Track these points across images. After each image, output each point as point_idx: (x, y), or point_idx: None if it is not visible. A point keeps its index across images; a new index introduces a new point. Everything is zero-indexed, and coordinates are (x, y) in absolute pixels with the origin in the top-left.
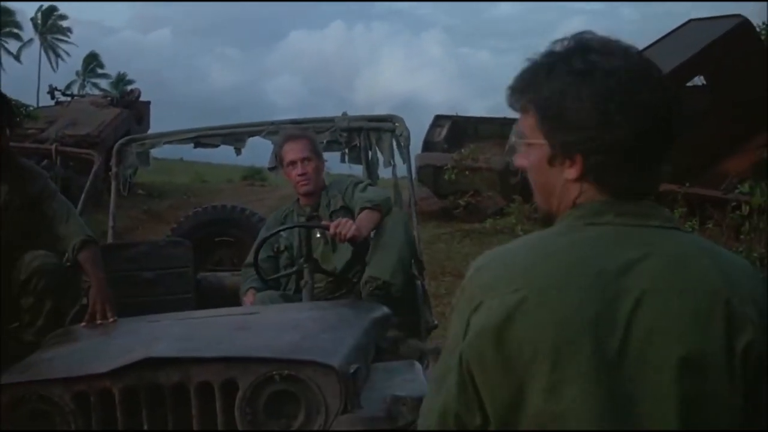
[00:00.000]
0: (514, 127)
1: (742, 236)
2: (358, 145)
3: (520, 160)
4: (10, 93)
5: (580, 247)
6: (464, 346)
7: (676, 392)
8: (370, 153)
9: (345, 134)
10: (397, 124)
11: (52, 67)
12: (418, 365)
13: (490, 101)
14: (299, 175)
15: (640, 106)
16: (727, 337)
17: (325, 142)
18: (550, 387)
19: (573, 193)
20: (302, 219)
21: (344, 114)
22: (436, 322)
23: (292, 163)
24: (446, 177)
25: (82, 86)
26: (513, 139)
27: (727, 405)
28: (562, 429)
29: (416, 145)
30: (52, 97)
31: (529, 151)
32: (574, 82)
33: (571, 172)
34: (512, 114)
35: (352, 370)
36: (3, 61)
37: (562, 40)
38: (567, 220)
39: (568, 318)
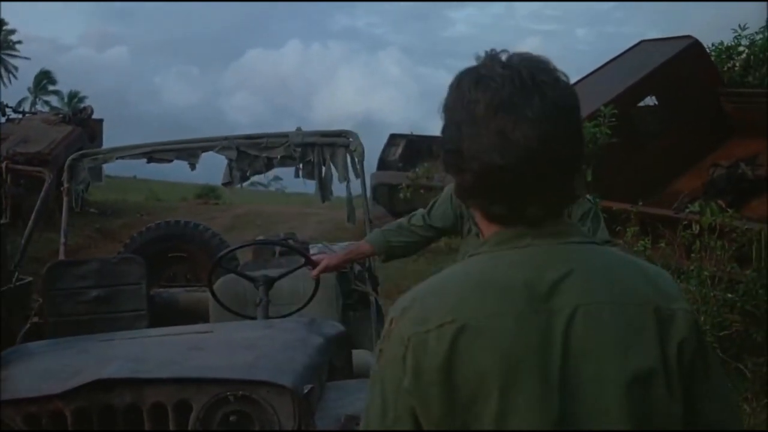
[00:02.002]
0: None
1: (693, 254)
2: (312, 160)
3: None
4: None
5: (507, 272)
6: (404, 389)
7: (620, 408)
8: (324, 168)
9: (299, 149)
10: (351, 139)
11: (2, 82)
12: None
13: None
14: None
15: (482, 146)
16: (661, 346)
17: (279, 157)
18: (499, 416)
19: (479, 218)
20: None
21: (298, 129)
22: None
23: None
24: (401, 196)
25: (34, 103)
26: None
27: (670, 415)
28: None
29: (372, 164)
30: (3, 114)
31: None
32: (445, 103)
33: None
34: None
35: (306, 390)
36: None
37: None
38: (487, 246)
39: (508, 345)
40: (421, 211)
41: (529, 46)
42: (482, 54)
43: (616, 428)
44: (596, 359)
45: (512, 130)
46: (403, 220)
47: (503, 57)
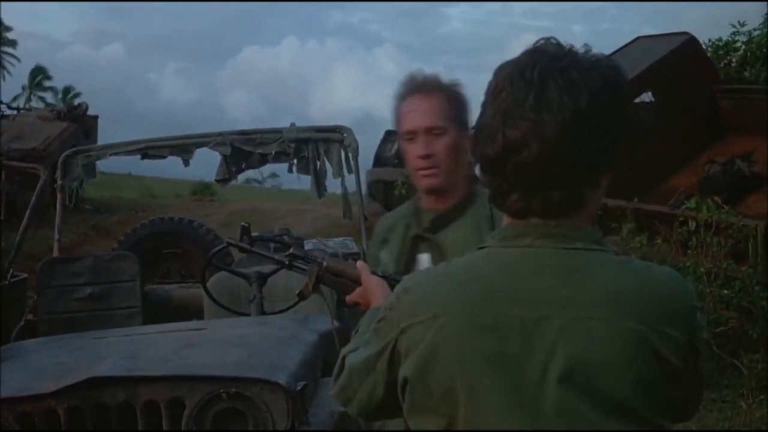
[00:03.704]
0: None
1: (689, 251)
2: (307, 155)
3: None
4: None
5: (499, 273)
6: (382, 367)
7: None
8: (318, 163)
9: (293, 145)
10: (345, 134)
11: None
12: None
13: None
14: (419, 157)
15: (532, 123)
16: (646, 369)
17: (273, 153)
18: (467, 421)
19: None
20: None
21: (292, 125)
22: None
23: (411, 134)
24: (397, 192)
25: (29, 100)
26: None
27: None
28: None
29: (368, 161)
30: None
31: None
32: (486, 98)
33: None
34: None
35: (299, 387)
36: None
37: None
38: (492, 240)
39: (485, 350)
40: None
41: (525, 42)
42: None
43: None
44: (585, 379)
45: (540, 125)
46: None
47: (550, 48)
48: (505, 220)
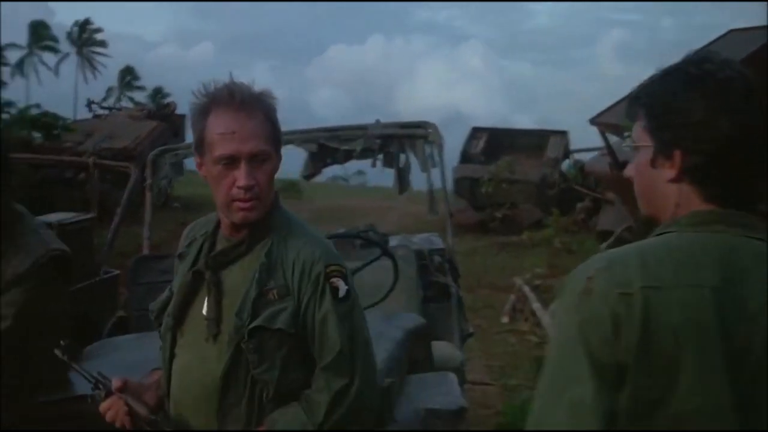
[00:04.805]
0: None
1: None
2: (392, 151)
3: (628, 171)
4: (48, 106)
5: (702, 249)
6: (607, 345)
7: None
8: (402, 159)
9: (378, 141)
10: (430, 130)
11: (85, 79)
12: (452, 377)
13: (532, 114)
14: (240, 188)
15: (747, 115)
16: None
17: (358, 149)
18: (694, 381)
19: (672, 196)
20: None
21: (377, 121)
22: (471, 330)
23: (229, 160)
24: (483, 189)
25: (119, 99)
26: (549, 153)
27: None
28: (696, 428)
29: (455, 157)
30: (90, 110)
31: (635, 156)
32: (685, 85)
33: (670, 172)
34: (550, 126)
35: (385, 384)
36: (40, 74)
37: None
38: (676, 226)
39: (702, 315)
40: None
41: (613, 37)
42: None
43: None
44: None
45: (752, 119)
46: None
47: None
48: (679, 201)
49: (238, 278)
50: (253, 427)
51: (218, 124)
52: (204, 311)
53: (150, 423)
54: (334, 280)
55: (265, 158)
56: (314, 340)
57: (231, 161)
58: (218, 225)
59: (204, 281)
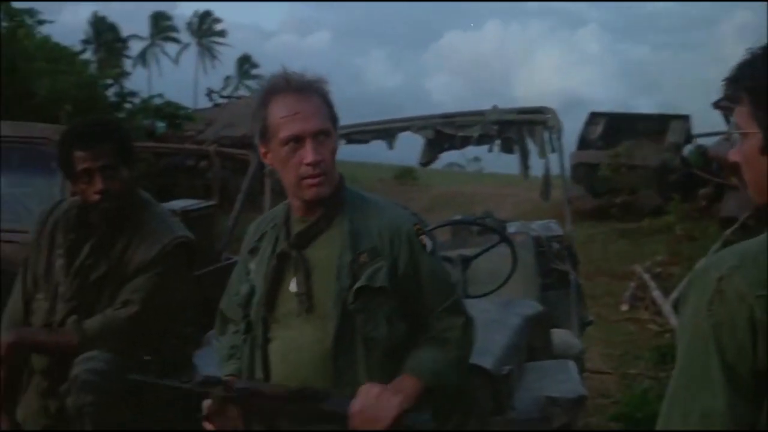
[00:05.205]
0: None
1: None
2: (510, 137)
3: (733, 156)
4: (169, 95)
5: None
6: (745, 348)
7: None
8: (522, 145)
9: (496, 127)
10: (549, 116)
11: (204, 70)
12: (572, 364)
13: (653, 98)
14: (308, 164)
15: None
16: None
17: (475, 135)
18: None
19: None
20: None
21: (494, 107)
22: (591, 318)
23: (295, 140)
24: (601, 175)
25: (236, 88)
26: (670, 137)
27: None
28: None
29: (572, 143)
30: (210, 99)
31: (742, 142)
32: None
33: None
34: (672, 110)
35: (504, 372)
36: (161, 64)
37: None
38: None
39: None
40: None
41: (737, 20)
42: None
43: None
44: None
45: None
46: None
47: None
48: None
49: (324, 252)
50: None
51: (280, 109)
52: (293, 289)
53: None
54: (422, 237)
55: (328, 135)
56: (421, 291)
57: (297, 141)
58: (288, 212)
59: (289, 262)
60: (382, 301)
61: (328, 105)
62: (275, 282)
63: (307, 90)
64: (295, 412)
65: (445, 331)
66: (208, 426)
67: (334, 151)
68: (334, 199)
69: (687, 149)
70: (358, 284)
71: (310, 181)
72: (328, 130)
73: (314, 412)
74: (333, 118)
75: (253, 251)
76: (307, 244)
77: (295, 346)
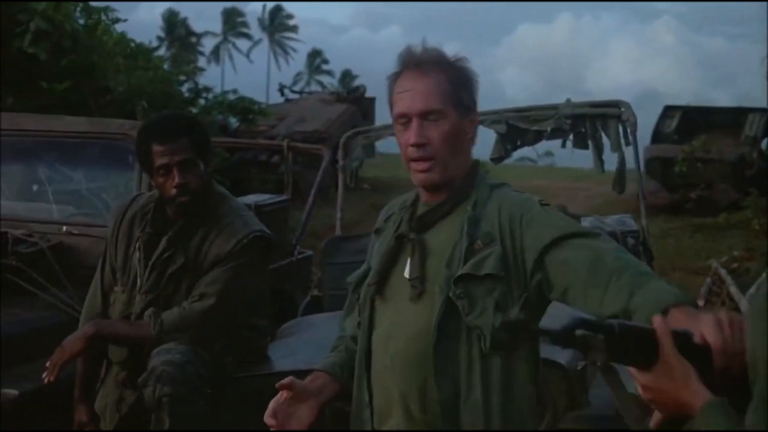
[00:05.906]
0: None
1: None
2: (584, 131)
3: None
4: (243, 91)
5: None
6: None
7: None
8: (597, 139)
9: (569, 121)
10: (623, 109)
11: (278, 65)
12: None
13: (730, 91)
14: (411, 146)
15: None
16: None
17: (548, 130)
18: None
19: None
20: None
21: (568, 100)
22: None
23: (404, 118)
24: (676, 169)
25: (308, 83)
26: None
27: None
28: None
29: (646, 137)
30: (282, 95)
31: None
32: None
33: None
34: (750, 103)
35: (579, 367)
36: (234, 60)
37: None
38: None
39: None
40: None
41: None
42: None
43: None
44: None
45: None
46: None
47: None
48: None
49: (442, 237)
50: (477, 381)
51: (399, 85)
52: (406, 273)
53: None
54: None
55: (439, 117)
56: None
57: (406, 120)
58: (418, 195)
59: (407, 244)
60: (488, 288)
61: (451, 84)
62: (389, 263)
63: (426, 66)
64: None
65: (611, 304)
66: (270, 422)
67: (448, 134)
68: (462, 185)
69: (765, 143)
70: (460, 271)
71: (415, 165)
72: (438, 111)
73: None
74: (455, 100)
75: (377, 231)
76: (427, 228)
77: (398, 334)
